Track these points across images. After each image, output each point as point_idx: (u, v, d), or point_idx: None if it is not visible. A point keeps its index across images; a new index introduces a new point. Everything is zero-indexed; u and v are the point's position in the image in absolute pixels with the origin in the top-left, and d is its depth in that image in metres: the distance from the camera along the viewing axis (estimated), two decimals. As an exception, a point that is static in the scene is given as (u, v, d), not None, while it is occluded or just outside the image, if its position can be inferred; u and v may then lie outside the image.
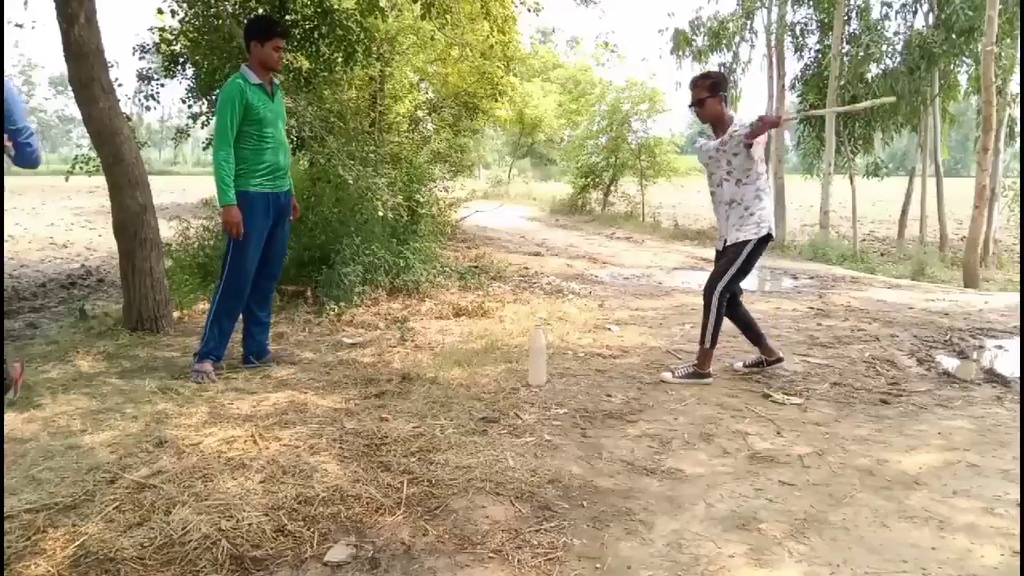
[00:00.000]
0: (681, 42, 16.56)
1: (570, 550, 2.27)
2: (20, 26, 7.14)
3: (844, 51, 14.13)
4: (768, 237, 4.06)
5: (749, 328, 4.37)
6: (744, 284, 4.46)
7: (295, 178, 7.24)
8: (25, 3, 6.30)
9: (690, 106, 4.15)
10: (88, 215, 17.51)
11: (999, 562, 2.24)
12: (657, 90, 19.27)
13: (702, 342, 4.14)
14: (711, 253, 11.82)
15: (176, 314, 5.43)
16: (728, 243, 4.11)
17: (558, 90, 24.86)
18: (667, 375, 4.16)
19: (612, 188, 20.62)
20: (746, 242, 4.01)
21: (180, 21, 7.15)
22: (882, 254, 14.24)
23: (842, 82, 13.92)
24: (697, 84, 4.12)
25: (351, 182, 5.89)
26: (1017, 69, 13.04)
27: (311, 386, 3.89)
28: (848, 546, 2.33)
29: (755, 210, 4.02)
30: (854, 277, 9.29)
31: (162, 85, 7.59)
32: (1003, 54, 12.49)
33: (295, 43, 7.24)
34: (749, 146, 3.93)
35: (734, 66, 16.71)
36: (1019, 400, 3.85)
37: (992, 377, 4.37)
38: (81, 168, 6.29)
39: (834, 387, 4.08)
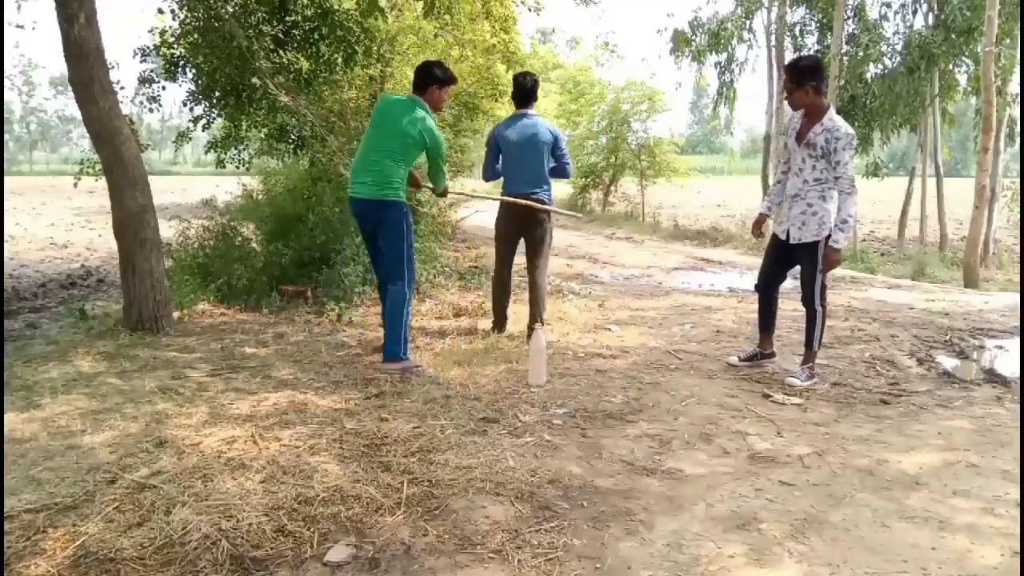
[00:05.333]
0: (680, 42, 16.56)
1: (570, 550, 2.27)
2: (21, 27, 7.14)
3: (844, 51, 14.12)
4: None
5: (770, 315, 4.43)
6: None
7: (295, 178, 7.28)
8: (19, 8, 6.26)
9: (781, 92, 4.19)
10: (88, 215, 17.50)
11: (999, 562, 2.24)
12: (657, 90, 19.24)
13: (810, 346, 4.17)
14: (711, 253, 11.87)
15: (176, 314, 5.43)
16: (792, 240, 4.13)
17: (558, 90, 24.83)
18: (795, 380, 4.08)
19: (612, 188, 20.61)
20: (815, 243, 4.04)
21: (180, 23, 7.15)
22: (882, 254, 14.22)
23: (841, 82, 13.91)
24: (785, 74, 4.12)
25: None
26: (1017, 69, 13.03)
27: (311, 386, 3.89)
28: (848, 546, 2.33)
29: (818, 210, 4.02)
30: (854, 277, 9.28)
31: (163, 88, 7.58)
32: (1003, 54, 12.48)
33: (295, 44, 7.23)
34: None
35: (731, 66, 16.72)
36: (1019, 400, 3.85)
37: (992, 377, 4.37)
38: (88, 172, 6.31)
39: (834, 387, 4.08)
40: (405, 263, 4.25)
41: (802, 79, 3.96)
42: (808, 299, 4.16)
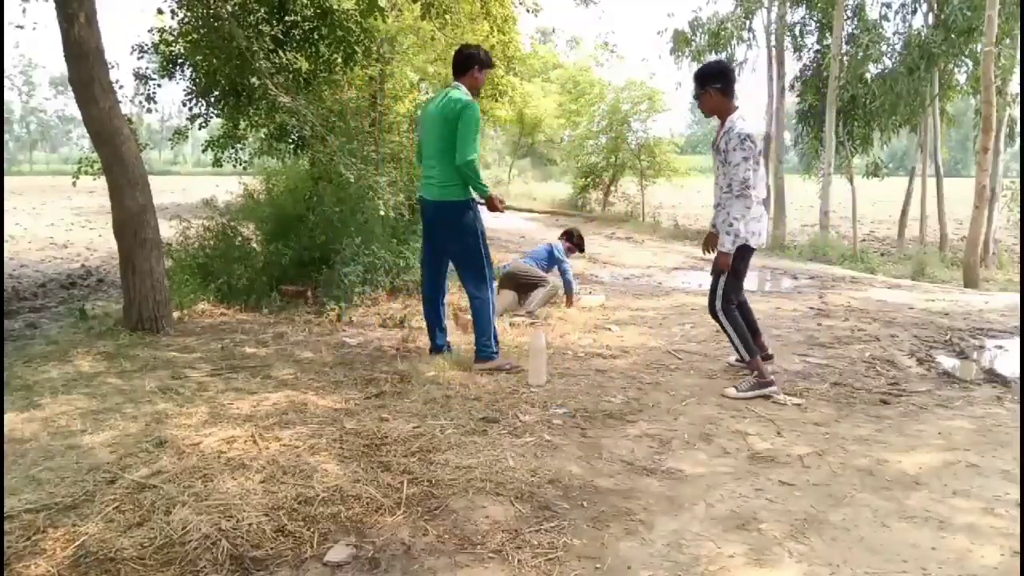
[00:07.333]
0: (680, 42, 16.57)
1: (570, 550, 2.27)
2: (22, 27, 7.16)
3: (843, 51, 14.14)
4: (747, 248, 3.98)
5: (745, 319, 4.37)
6: (744, 283, 4.48)
7: (296, 178, 7.27)
8: (23, 10, 6.28)
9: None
10: (88, 215, 17.51)
11: (999, 562, 2.24)
12: (656, 90, 19.26)
13: (741, 358, 4.13)
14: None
15: (176, 314, 5.43)
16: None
17: (558, 90, 24.84)
18: (731, 391, 3.93)
19: (612, 188, 20.63)
20: (727, 254, 3.94)
21: (179, 22, 7.15)
22: (882, 254, 14.23)
23: (841, 82, 13.93)
24: (694, 80, 4.10)
25: (352, 180, 5.89)
26: (1017, 69, 13.04)
27: (311, 386, 3.89)
28: (848, 546, 2.33)
29: (733, 220, 3.90)
30: (854, 277, 9.29)
31: (159, 86, 7.59)
32: (1003, 54, 12.49)
33: (295, 44, 7.23)
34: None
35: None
36: (1019, 400, 3.85)
37: (992, 377, 4.37)
38: (86, 171, 6.32)
39: (834, 387, 4.08)
40: (480, 267, 4.27)
41: (704, 82, 3.96)
42: (711, 311, 4.10)
